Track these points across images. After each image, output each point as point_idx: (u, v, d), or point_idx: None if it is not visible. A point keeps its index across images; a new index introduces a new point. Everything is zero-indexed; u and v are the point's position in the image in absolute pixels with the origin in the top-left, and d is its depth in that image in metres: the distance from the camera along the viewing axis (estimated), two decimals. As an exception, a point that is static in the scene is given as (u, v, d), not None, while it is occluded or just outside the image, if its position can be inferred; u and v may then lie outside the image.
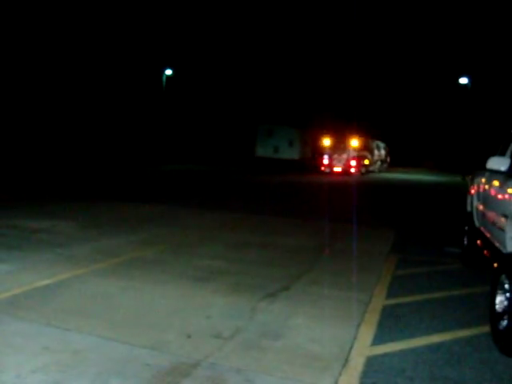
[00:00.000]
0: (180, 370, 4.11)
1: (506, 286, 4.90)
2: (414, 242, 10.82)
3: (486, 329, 5.27)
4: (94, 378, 3.91)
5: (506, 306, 4.88)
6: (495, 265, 5.54)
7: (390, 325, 5.45)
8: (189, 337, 4.83)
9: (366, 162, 41.30)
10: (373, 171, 43.71)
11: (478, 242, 7.49)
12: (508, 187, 5.85)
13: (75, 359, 4.22)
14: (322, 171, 38.73)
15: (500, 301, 5.03)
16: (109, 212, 12.86)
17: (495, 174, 6.56)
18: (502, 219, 5.86)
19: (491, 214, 6.71)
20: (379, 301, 6.31)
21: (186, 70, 49.27)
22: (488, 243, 6.86)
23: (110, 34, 44.15)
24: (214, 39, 53.26)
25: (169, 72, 44.30)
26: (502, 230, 5.83)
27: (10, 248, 8.01)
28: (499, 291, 5.07)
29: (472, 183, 8.99)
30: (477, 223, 8.09)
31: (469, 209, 8.95)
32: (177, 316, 5.41)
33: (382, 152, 49.99)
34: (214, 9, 54.34)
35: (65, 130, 39.77)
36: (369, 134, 45.29)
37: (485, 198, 7.44)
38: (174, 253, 8.42)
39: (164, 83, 44.08)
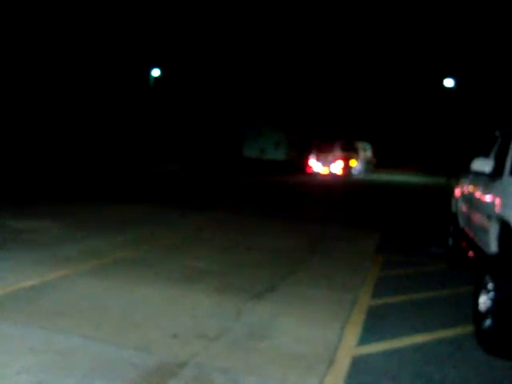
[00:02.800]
0: (166, 370, 4.11)
1: (490, 286, 4.96)
2: (399, 243, 10.89)
3: (470, 329, 5.33)
4: (80, 379, 3.90)
5: (489, 306, 4.93)
6: (479, 265, 5.61)
7: (376, 325, 5.49)
8: (175, 337, 4.83)
9: (353, 163, 41.47)
10: (359, 172, 43.90)
11: (463, 242, 7.57)
12: (492, 189, 5.93)
13: (60, 360, 4.21)
14: (309, 172, 38.84)
15: (483, 301, 5.08)
16: (95, 213, 12.80)
17: (480, 175, 6.64)
18: (486, 220, 5.93)
19: (475, 215, 6.78)
20: (365, 301, 6.35)
21: (173, 70, 49.14)
22: (472, 244, 6.94)
23: (98, 34, 43.91)
24: (202, 40, 53.20)
25: (156, 72, 44.14)
26: (486, 230, 5.90)
27: (-6, 248, 7.95)
28: (483, 291, 5.13)
29: (457, 185, 9.08)
30: (461, 224, 8.18)
31: (453, 210, 9.03)
32: (163, 316, 5.41)
33: (368, 153, 50.20)
34: (203, 10, 54.28)
35: (53, 131, 39.47)
36: (355, 135, 45.49)
37: (469, 199, 7.52)
38: (160, 253, 8.41)
39: (151, 83, 43.92)
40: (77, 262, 7.42)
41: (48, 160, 33.40)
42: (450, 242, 8.62)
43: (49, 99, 40.13)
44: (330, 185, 29.52)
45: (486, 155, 7.23)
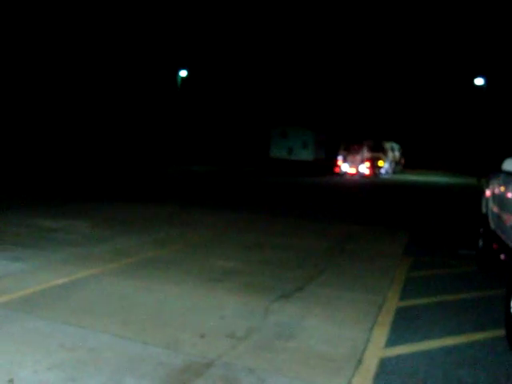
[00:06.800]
0: (194, 369, 4.14)
1: (522, 288, 4.87)
2: (428, 244, 10.76)
3: (501, 332, 5.24)
4: (109, 376, 3.95)
5: (521, 309, 4.84)
6: (511, 268, 5.51)
7: (404, 327, 5.44)
8: (202, 336, 4.86)
9: (380, 163, 41.14)
10: (387, 173, 43.54)
11: (493, 244, 7.44)
12: (524, 189, 5.81)
13: (90, 357, 4.27)
14: (337, 173, 38.69)
15: (515, 304, 4.99)
16: (123, 212, 12.94)
17: (511, 175, 6.51)
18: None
19: (507, 216, 6.66)
20: (393, 302, 6.29)
21: (200, 71, 49.43)
22: (503, 245, 6.81)
23: (126, 35, 44.42)
24: (228, 41, 53.39)
25: (184, 73, 44.51)
26: (518, 232, 5.78)
27: (26, 247, 8.11)
28: (515, 294, 5.04)
29: (487, 185, 8.93)
30: (492, 225, 8.03)
31: (484, 211, 8.88)
32: (191, 316, 5.44)
33: (397, 153, 49.73)
34: (229, 11, 54.47)
35: (80, 131, 40.10)
36: (383, 135, 45.14)
37: (500, 199, 7.38)
38: (188, 253, 8.47)
39: (179, 84, 44.28)
40: (106, 261, 7.52)
41: (76, 160, 33.91)
42: (481, 243, 8.49)
43: (76, 99, 40.72)
44: (358, 185, 29.33)
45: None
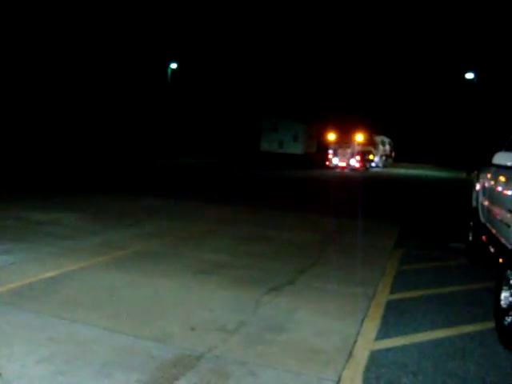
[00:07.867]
0: (184, 363, 4.12)
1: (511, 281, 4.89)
2: (418, 237, 10.80)
3: (491, 325, 5.26)
4: (99, 369, 3.92)
5: (511, 302, 4.86)
6: (500, 260, 5.53)
7: (394, 319, 5.45)
8: (193, 329, 4.84)
9: (371, 157, 41.28)
10: (377, 166, 43.67)
11: (484, 237, 7.46)
12: (514, 183, 5.82)
13: (80, 350, 4.24)
14: (327, 166, 38.75)
15: (505, 297, 5.01)
16: (114, 205, 12.88)
17: (501, 169, 6.53)
18: (508, 215, 5.83)
19: (497, 210, 6.68)
20: (383, 295, 6.30)
21: (190, 63, 49.24)
22: (493, 239, 6.84)
23: (115, 28, 44.12)
24: (219, 34, 53.19)
25: (174, 66, 44.28)
26: (508, 225, 5.80)
27: (15, 240, 8.03)
28: (504, 287, 5.06)
29: (477, 179, 8.95)
30: (482, 219, 8.06)
31: (474, 204, 8.92)
32: (181, 309, 5.42)
33: (387, 147, 49.93)
34: (219, 3, 54.26)
35: (71, 125, 39.86)
36: (374, 129, 45.26)
37: (490, 193, 7.41)
38: (179, 246, 8.43)
39: (169, 77, 44.06)
40: (95, 254, 7.47)
41: (68, 154, 33.73)
42: (471, 236, 8.52)
43: (70, 97, 40.49)
44: (348, 179, 29.38)
45: (508, 149, 7.11)
